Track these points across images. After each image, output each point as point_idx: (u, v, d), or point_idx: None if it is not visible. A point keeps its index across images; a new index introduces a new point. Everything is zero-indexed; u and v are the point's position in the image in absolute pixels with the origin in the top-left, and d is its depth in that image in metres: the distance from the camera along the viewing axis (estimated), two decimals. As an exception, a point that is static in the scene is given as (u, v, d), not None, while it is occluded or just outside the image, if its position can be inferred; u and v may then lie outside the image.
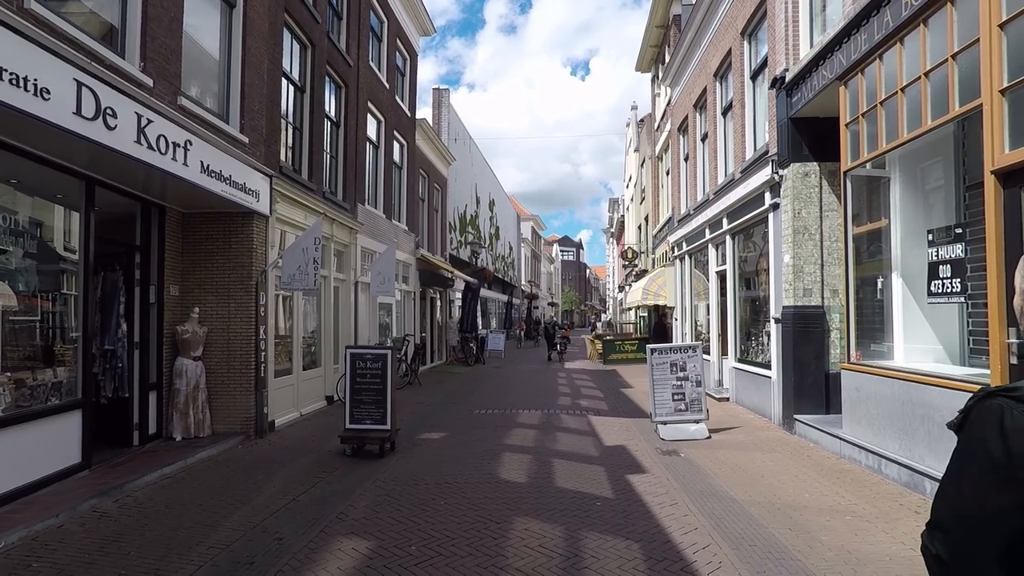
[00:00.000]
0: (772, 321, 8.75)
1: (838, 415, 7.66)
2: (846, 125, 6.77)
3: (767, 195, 8.94)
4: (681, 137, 15.96)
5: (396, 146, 15.90)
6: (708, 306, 12.81)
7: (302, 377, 9.64)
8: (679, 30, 17.39)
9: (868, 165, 6.64)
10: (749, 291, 10.60)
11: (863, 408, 6.37)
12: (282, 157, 9.02)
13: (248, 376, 7.67)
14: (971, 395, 0.94)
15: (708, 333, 12.75)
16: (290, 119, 9.62)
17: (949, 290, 5.01)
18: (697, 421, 8.09)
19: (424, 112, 21.34)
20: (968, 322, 4.59)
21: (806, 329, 7.98)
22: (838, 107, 6.93)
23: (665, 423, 8.10)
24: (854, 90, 6.60)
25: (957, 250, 4.85)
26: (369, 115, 13.52)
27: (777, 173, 8.49)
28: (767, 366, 9.16)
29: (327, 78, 10.93)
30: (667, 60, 17.29)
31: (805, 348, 7.96)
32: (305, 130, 9.99)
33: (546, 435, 8.22)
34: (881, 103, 6.00)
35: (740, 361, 10.63)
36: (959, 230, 4.84)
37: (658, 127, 20.93)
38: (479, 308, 24.43)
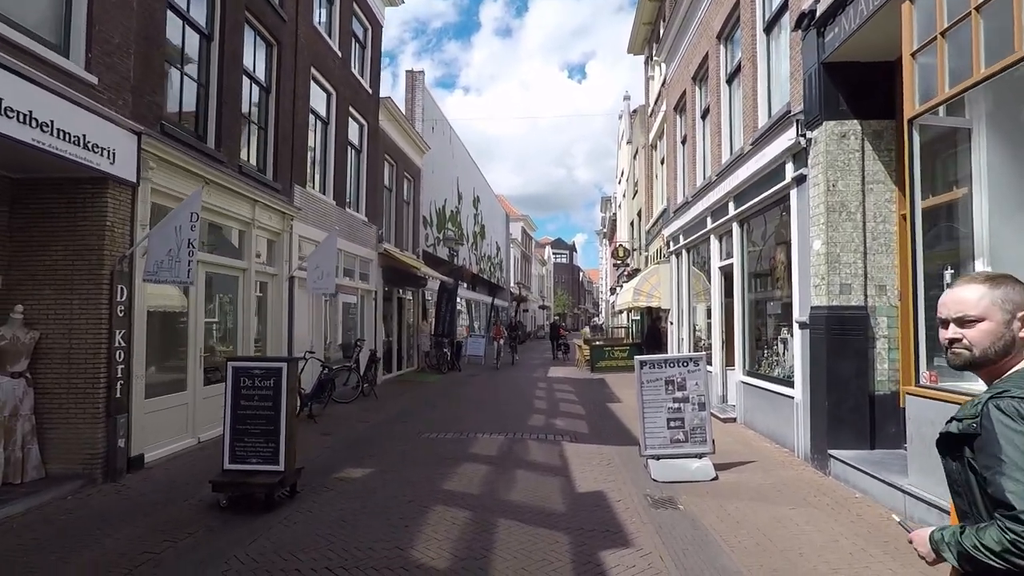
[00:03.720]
0: (796, 325, 6.85)
1: (889, 451, 5.78)
2: (912, 55, 4.88)
3: (788, 166, 7.06)
4: (678, 118, 14.11)
5: (353, 126, 13.92)
6: (709, 308, 10.90)
7: (202, 394, 7.63)
8: (674, 1, 15.56)
9: (941, 110, 4.76)
10: (762, 290, 8.69)
11: (940, 451, 4.45)
12: (168, 111, 7.03)
13: (96, 397, 5.67)
14: (963, 405, 1.33)
15: (709, 340, 10.83)
16: (185, 70, 7.63)
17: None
18: (700, 455, 6.19)
19: (397, 97, 19.40)
20: None
21: (844, 336, 6.07)
22: (899, 36, 5.02)
23: (658, 458, 6.20)
24: (927, 3, 4.71)
25: None
26: (314, 84, 11.54)
27: (803, 136, 6.61)
28: (787, 382, 7.26)
29: (248, 28, 8.97)
30: (662, 34, 15.46)
31: (842, 361, 6.05)
32: (212, 86, 8.01)
33: (502, 474, 6.27)
34: (977, 8, 4.11)
35: (750, 374, 8.72)
36: None
37: (651, 112, 19.08)
38: (457, 310, 22.37)
